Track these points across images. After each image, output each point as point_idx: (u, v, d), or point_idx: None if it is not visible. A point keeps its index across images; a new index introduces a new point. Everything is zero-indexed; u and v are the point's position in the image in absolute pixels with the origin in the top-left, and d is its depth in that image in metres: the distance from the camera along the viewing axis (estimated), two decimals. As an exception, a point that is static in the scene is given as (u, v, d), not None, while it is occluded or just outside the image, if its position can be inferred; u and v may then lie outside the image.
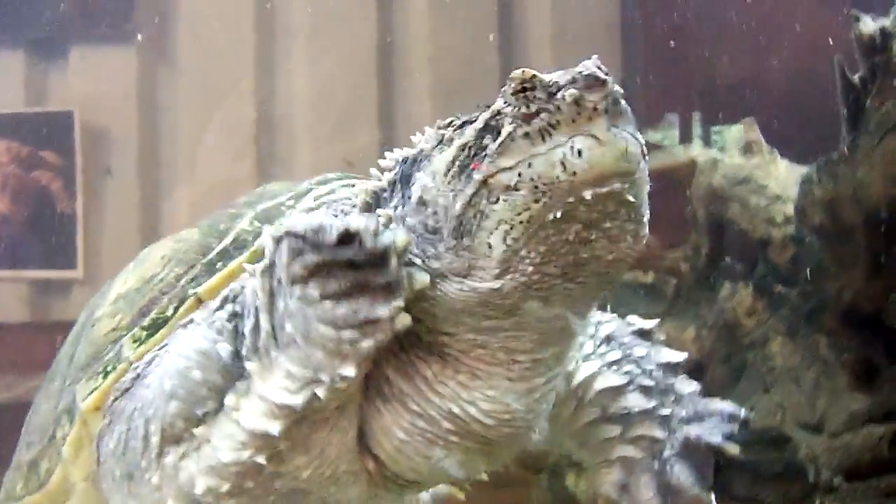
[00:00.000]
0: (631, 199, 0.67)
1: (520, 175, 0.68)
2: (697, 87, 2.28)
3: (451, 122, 0.75)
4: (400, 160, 0.78)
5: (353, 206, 0.85)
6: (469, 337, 0.76)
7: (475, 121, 0.72)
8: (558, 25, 2.53)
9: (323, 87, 2.53)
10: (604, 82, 0.67)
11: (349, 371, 0.71)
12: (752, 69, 2.07)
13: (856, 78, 1.13)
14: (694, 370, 1.13)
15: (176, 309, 0.93)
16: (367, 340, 0.70)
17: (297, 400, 0.74)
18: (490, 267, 0.70)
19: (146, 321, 0.97)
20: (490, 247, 0.70)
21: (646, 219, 0.71)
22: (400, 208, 0.76)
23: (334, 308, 0.69)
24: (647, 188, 0.70)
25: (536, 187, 0.68)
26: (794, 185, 1.34)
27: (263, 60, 2.54)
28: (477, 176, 0.70)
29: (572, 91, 0.67)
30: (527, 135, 0.68)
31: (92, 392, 0.96)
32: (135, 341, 0.96)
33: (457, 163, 0.72)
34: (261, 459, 0.79)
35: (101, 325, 1.05)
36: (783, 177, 1.37)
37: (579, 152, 0.67)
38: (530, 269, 0.70)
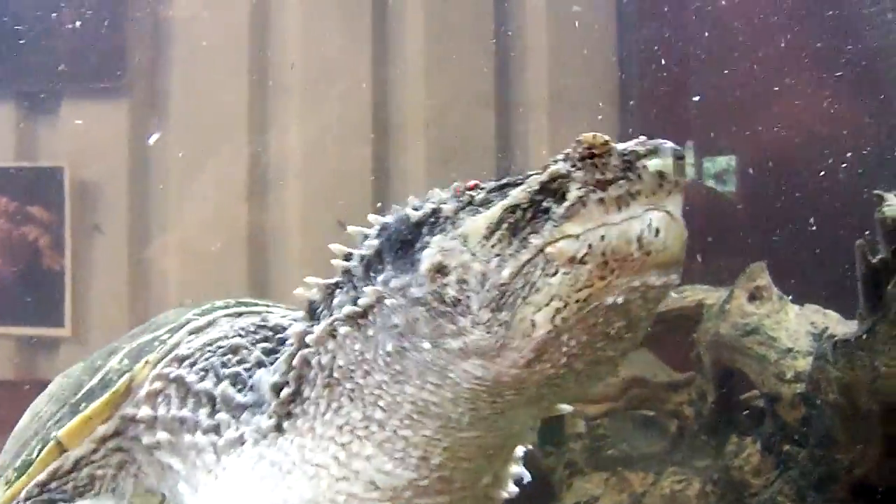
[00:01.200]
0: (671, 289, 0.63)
1: (589, 247, 0.61)
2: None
3: (477, 184, 0.67)
4: (386, 226, 0.69)
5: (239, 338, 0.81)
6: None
7: (521, 183, 0.64)
8: (556, 88, 2.49)
9: (316, 145, 2.49)
10: (683, 158, 0.63)
11: None
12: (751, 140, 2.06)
13: (876, 260, 1.08)
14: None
15: (39, 451, 0.87)
16: None
17: None
18: (526, 349, 0.62)
19: (18, 462, 0.91)
20: (533, 326, 0.62)
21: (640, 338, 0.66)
22: (394, 279, 0.67)
23: None
24: None
25: (606, 263, 0.61)
26: (806, 337, 1.30)
27: (256, 117, 2.50)
28: (536, 241, 0.62)
29: (657, 161, 0.62)
30: (601, 201, 0.62)
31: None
32: (6, 483, 0.91)
33: (504, 225, 0.63)
34: None
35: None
36: (793, 327, 1.32)
37: (656, 231, 0.61)
38: (563, 360, 0.63)
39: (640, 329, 0.64)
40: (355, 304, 0.68)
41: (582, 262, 0.61)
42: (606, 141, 0.63)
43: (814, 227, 1.59)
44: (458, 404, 0.66)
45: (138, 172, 2.54)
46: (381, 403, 0.69)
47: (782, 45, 2.08)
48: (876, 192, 1.11)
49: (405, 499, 0.70)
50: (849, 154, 1.74)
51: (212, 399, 0.77)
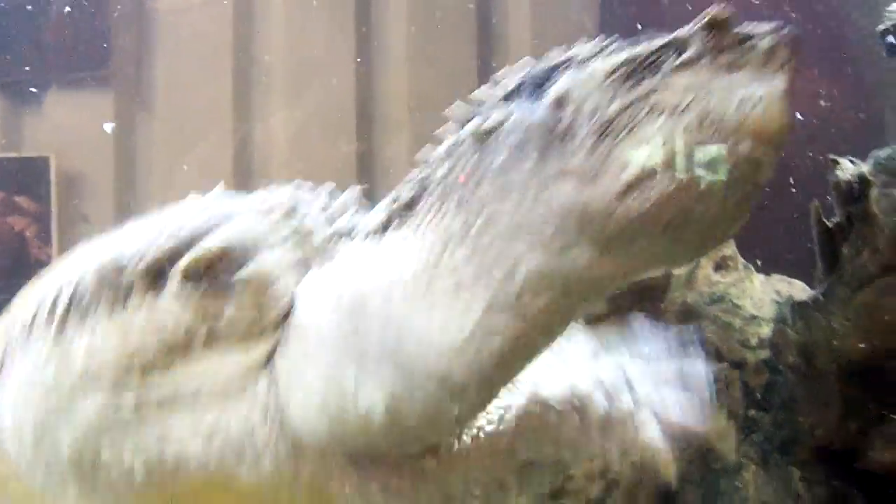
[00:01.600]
0: (761, 181, 0.66)
1: (692, 100, 0.64)
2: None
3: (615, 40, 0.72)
4: (528, 70, 0.74)
5: None
6: None
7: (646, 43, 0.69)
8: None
9: (300, 136, 2.52)
10: (799, 43, 0.66)
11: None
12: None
13: (831, 224, 1.11)
14: (666, 493, 1.12)
15: None
16: None
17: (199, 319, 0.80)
18: (616, 182, 0.65)
19: None
20: (628, 161, 0.65)
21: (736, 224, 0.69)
22: (520, 108, 0.72)
23: None
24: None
25: (703, 116, 0.64)
26: (770, 305, 1.33)
27: (240, 107, 2.53)
28: (646, 85, 0.66)
29: (772, 37, 0.66)
30: (712, 63, 0.65)
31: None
32: None
33: (623, 68, 0.68)
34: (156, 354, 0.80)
35: None
36: (758, 295, 1.36)
37: (758, 99, 0.64)
38: (646, 205, 0.65)
39: (726, 207, 0.66)
40: (482, 124, 0.74)
41: (682, 111, 0.65)
42: (728, 16, 0.67)
43: (781, 198, 1.63)
44: (547, 225, 0.69)
45: (124, 162, 2.57)
46: (483, 213, 0.72)
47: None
48: (831, 156, 1.14)
49: (476, 310, 0.73)
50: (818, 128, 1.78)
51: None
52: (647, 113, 0.66)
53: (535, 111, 0.71)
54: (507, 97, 0.75)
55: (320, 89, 2.55)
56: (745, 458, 1.27)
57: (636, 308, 1.47)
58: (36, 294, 0.89)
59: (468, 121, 0.76)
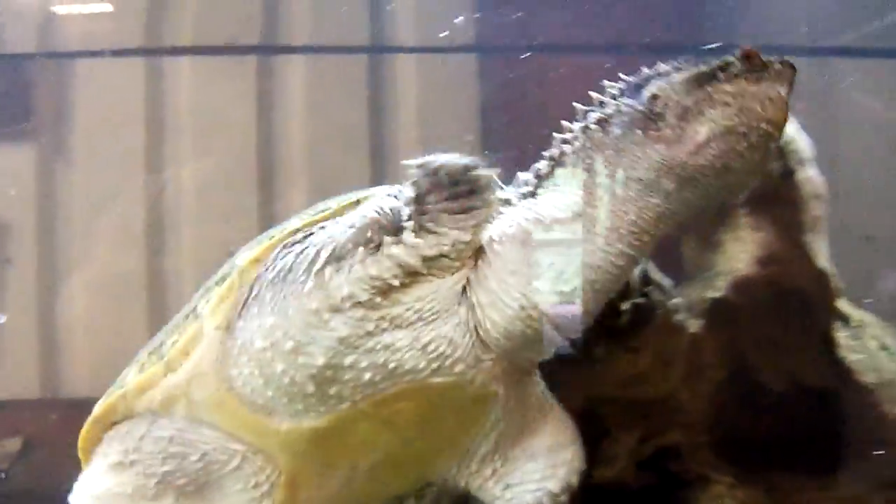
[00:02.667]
0: (772, 146, 1.13)
1: (733, 97, 1.10)
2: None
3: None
4: (632, 80, 1.19)
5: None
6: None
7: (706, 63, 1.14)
8: (424, 132, 2.83)
9: (207, 183, 2.75)
10: (793, 70, 1.14)
11: (465, 237, 1.09)
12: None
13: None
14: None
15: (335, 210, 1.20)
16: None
17: (433, 251, 1.09)
18: (691, 144, 1.10)
19: (312, 212, 1.21)
20: (697, 132, 1.10)
21: (758, 174, 1.18)
22: (627, 101, 1.16)
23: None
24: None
25: (742, 109, 1.09)
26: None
27: (152, 159, 2.77)
28: (709, 88, 1.11)
29: (780, 64, 1.13)
30: (746, 78, 1.11)
31: (256, 250, 1.17)
32: (303, 220, 1.19)
33: (694, 79, 1.12)
34: (396, 281, 1.08)
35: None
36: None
37: (773, 100, 1.10)
38: (710, 159, 1.10)
39: (753, 161, 1.12)
40: (603, 113, 1.20)
41: (727, 104, 1.10)
42: (755, 50, 1.13)
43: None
44: (651, 173, 1.13)
45: (45, 212, 2.78)
46: (606, 172, 1.17)
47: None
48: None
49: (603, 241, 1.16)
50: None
51: None
52: (709, 104, 1.12)
53: (639, 103, 1.16)
54: (614, 97, 1.20)
55: (225, 144, 2.80)
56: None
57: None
58: (283, 254, 1.15)
59: (586, 113, 1.21)
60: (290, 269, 1.12)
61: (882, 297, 2.50)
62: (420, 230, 1.08)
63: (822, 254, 1.58)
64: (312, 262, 1.10)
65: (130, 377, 1.25)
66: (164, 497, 1.22)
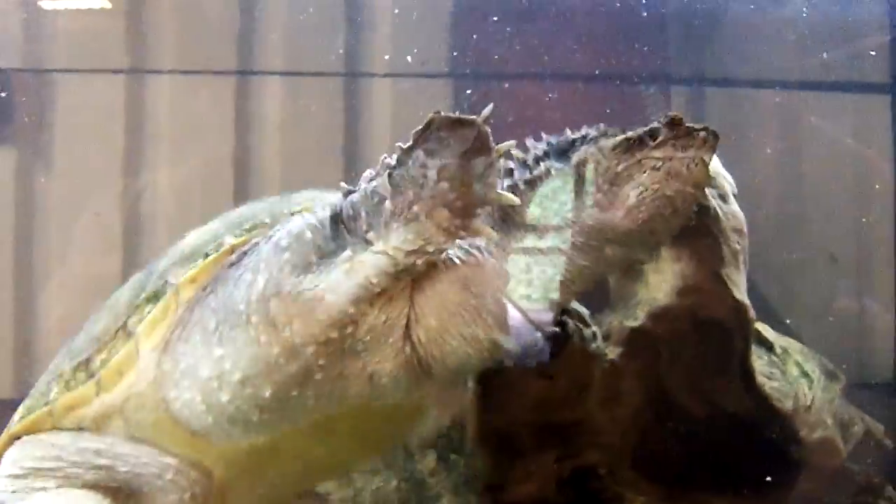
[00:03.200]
0: (693, 204, 1.25)
1: (663, 163, 1.18)
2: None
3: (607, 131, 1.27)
4: (553, 142, 1.29)
5: None
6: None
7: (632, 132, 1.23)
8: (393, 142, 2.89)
9: (183, 189, 2.84)
10: (717, 137, 1.24)
11: (448, 244, 0.97)
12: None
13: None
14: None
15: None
16: (470, 220, 0.96)
17: (408, 260, 0.97)
18: (621, 207, 1.18)
19: (245, 226, 1.16)
20: (628, 196, 1.19)
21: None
22: (556, 165, 1.24)
23: (453, 197, 0.93)
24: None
25: (669, 173, 1.18)
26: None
27: (131, 165, 2.85)
28: (638, 154, 1.20)
29: (705, 131, 1.22)
30: (673, 144, 1.19)
31: (191, 270, 1.13)
32: (236, 236, 1.14)
33: (624, 144, 1.20)
34: (353, 309, 0.99)
35: (190, 239, 1.24)
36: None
37: (696, 164, 1.19)
38: (638, 222, 1.19)
39: (676, 223, 1.24)
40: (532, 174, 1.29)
41: (656, 169, 1.20)
42: (681, 117, 1.22)
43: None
44: (581, 236, 1.24)
45: (24, 215, 2.86)
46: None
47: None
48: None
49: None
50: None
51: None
52: (638, 170, 1.21)
53: (564, 170, 1.25)
54: (539, 160, 1.29)
55: (203, 151, 2.86)
56: (443, 490, 1.74)
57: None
58: (222, 278, 1.11)
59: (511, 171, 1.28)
60: (231, 298, 1.09)
61: (847, 313, 2.57)
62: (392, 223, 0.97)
63: (740, 286, 1.65)
64: (251, 290, 1.06)
65: (55, 393, 1.22)
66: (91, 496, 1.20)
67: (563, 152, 1.26)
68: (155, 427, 1.16)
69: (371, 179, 1.00)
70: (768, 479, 1.73)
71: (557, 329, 1.51)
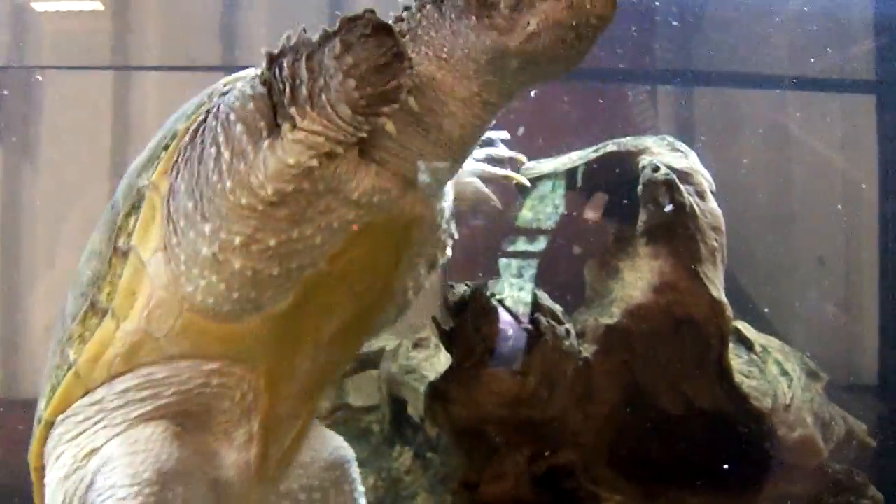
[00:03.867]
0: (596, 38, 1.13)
1: None
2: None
3: None
4: None
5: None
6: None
7: None
8: None
9: None
10: None
11: (349, 137, 1.07)
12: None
13: (448, 328, 1.57)
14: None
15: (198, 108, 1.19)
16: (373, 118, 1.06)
17: (316, 139, 1.06)
18: (522, 34, 1.09)
19: (188, 112, 1.19)
20: (528, 23, 1.08)
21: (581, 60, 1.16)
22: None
23: (356, 96, 1.03)
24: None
25: (572, 4, 1.07)
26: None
27: (118, 163, 2.81)
28: None
29: None
30: None
31: (157, 166, 1.15)
32: (185, 119, 1.17)
33: None
34: (315, 162, 1.07)
35: (143, 152, 1.25)
36: (442, 367, 1.80)
37: None
38: (539, 48, 1.09)
39: (580, 51, 1.13)
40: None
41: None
42: None
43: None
44: (483, 56, 1.13)
45: (11, 211, 2.88)
46: (445, 50, 1.17)
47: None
48: (449, 282, 1.61)
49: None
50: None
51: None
52: None
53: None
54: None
55: None
56: (419, 488, 1.73)
57: (362, 371, 1.93)
58: (185, 160, 1.15)
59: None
60: (199, 175, 1.12)
61: (834, 313, 2.56)
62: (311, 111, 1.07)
63: (717, 284, 1.64)
64: (217, 161, 1.10)
65: (73, 355, 1.21)
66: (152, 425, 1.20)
67: None
68: (186, 332, 1.16)
69: (294, 57, 1.06)
70: (746, 477, 1.71)
71: (530, 326, 1.50)
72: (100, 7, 2.92)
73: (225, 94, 1.14)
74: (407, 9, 1.20)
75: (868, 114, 2.57)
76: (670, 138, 1.73)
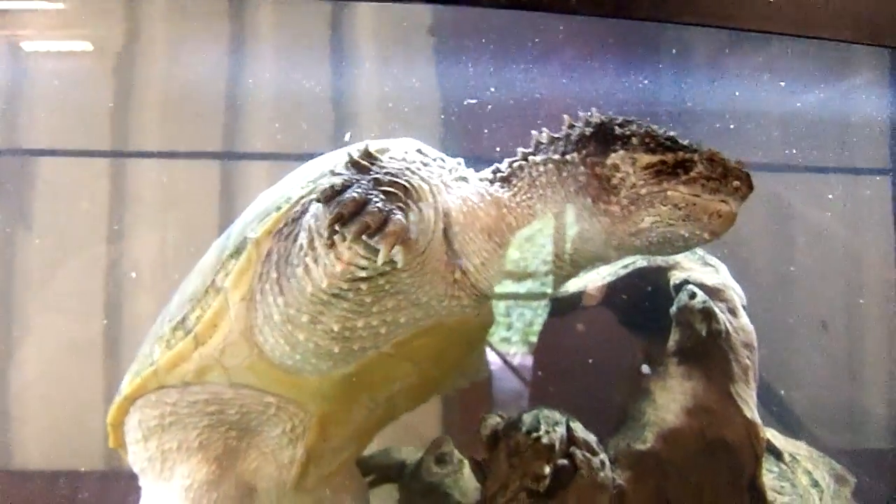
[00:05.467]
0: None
1: (686, 204, 1.11)
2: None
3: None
4: (595, 127, 1.22)
5: None
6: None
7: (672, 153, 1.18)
8: None
9: (168, 254, 2.78)
10: (750, 186, 1.18)
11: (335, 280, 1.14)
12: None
13: (481, 459, 1.52)
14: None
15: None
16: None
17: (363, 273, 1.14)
18: (633, 227, 1.12)
19: (310, 178, 1.28)
20: (642, 220, 1.11)
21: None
22: (588, 162, 1.19)
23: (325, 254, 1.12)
24: None
25: (689, 215, 1.10)
26: (474, 491, 1.72)
27: (114, 227, 2.80)
28: (666, 185, 1.13)
29: (740, 177, 1.16)
30: (703, 185, 1.14)
31: (267, 223, 1.25)
32: (302, 188, 1.26)
33: (656, 168, 1.14)
34: (363, 273, 1.14)
35: (262, 200, 1.35)
36: (466, 483, 1.74)
37: (720, 214, 1.12)
38: (646, 243, 1.13)
39: (682, 250, 1.19)
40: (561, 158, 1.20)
41: (677, 206, 1.13)
42: (718, 155, 1.16)
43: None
44: (591, 233, 1.18)
45: (3, 275, 2.80)
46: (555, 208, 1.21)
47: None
48: (482, 415, 1.56)
49: None
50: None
51: None
52: (661, 201, 1.12)
53: (599, 166, 1.16)
54: (575, 143, 1.22)
55: (186, 216, 2.83)
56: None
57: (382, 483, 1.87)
58: (286, 232, 1.24)
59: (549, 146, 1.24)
60: (289, 252, 1.21)
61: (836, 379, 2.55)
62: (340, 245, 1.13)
63: (750, 403, 1.60)
64: (300, 249, 1.19)
65: (157, 354, 1.34)
66: (210, 445, 1.36)
67: (602, 142, 1.19)
68: (251, 371, 1.30)
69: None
70: None
71: (566, 462, 1.46)
72: (89, 48, 2.85)
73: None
74: (530, 154, 1.23)
75: (883, 193, 2.56)
76: (701, 252, 1.69)
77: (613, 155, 1.16)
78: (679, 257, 1.67)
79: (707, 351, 1.57)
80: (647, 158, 1.14)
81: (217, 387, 1.34)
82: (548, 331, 1.61)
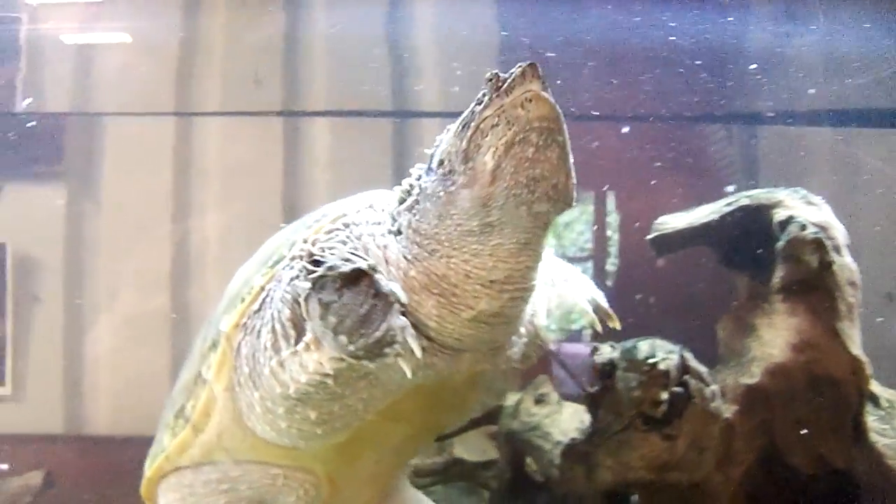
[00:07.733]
0: (560, 137, 1.06)
1: (499, 117, 1.05)
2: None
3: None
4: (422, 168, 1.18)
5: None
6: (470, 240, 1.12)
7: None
8: None
9: (232, 228, 2.82)
10: (534, 67, 1.07)
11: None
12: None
13: (594, 390, 1.53)
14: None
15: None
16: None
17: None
18: (486, 174, 1.05)
19: (269, 263, 1.28)
20: (485, 163, 1.05)
21: (571, 167, 1.09)
22: (427, 182, 1.13)
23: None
24: (567, 137, 1.06)
25: (508, 122, 1.04)
26: (574, 431, 1.73)
27: (179, 202, 2.84)
28: (474, 125, 1.07)
29: (519, 68, 1.06)
30: (498, 95, 1.06)
31: (233, 317, 1.27)
32: (263, 275, 1.27)
33: (460, 125, 1.09)
34: (328, 377, 1.15)
35: (233, 282, 1.37)
36: (565, 424, 1.75)
37: (528, 99, 1.04)
38: (511, 177, 1.04)
39: (551, 158, 1.06)
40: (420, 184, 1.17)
41: (495, 125, 1.06)
42: (494, 73, 1.10)
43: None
44: (474, 220, 1.10)
45: (73, 249, 2.85)
46: (443, 236, 1.14)
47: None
48: (593, 344, 1.57)
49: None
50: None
51: None
52: (481, 135, 1.07)
53: (431, 174, 1.14)
54: (419, 178, 1.19)
55: (252, 189, 2.85)
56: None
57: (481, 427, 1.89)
58: (250, 327, 1.26)
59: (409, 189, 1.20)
60: (255, 348, 1.25)
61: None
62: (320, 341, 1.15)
63: (856, 340, 1.60)
64: (266, 349, 1.22)
65: (167, 441, 1.41)
66: None
67: (430, 164, 1.17)
68: (252, 450, 1.34)
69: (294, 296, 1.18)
70: (879, 540, 1.66)
71: (680, 389, 1.46)
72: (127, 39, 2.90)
73: (293, 260, 1.23)
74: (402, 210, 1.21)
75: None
76: (803, 191, 1.70)
77: (434, 159, 1.15)
78: (782, 195, 1.68)
79: (812, 287, 1.58)
80: (450, 129, 1.14)
81: (224, 465, 1.38)
82: (646, 270, 1.61)
